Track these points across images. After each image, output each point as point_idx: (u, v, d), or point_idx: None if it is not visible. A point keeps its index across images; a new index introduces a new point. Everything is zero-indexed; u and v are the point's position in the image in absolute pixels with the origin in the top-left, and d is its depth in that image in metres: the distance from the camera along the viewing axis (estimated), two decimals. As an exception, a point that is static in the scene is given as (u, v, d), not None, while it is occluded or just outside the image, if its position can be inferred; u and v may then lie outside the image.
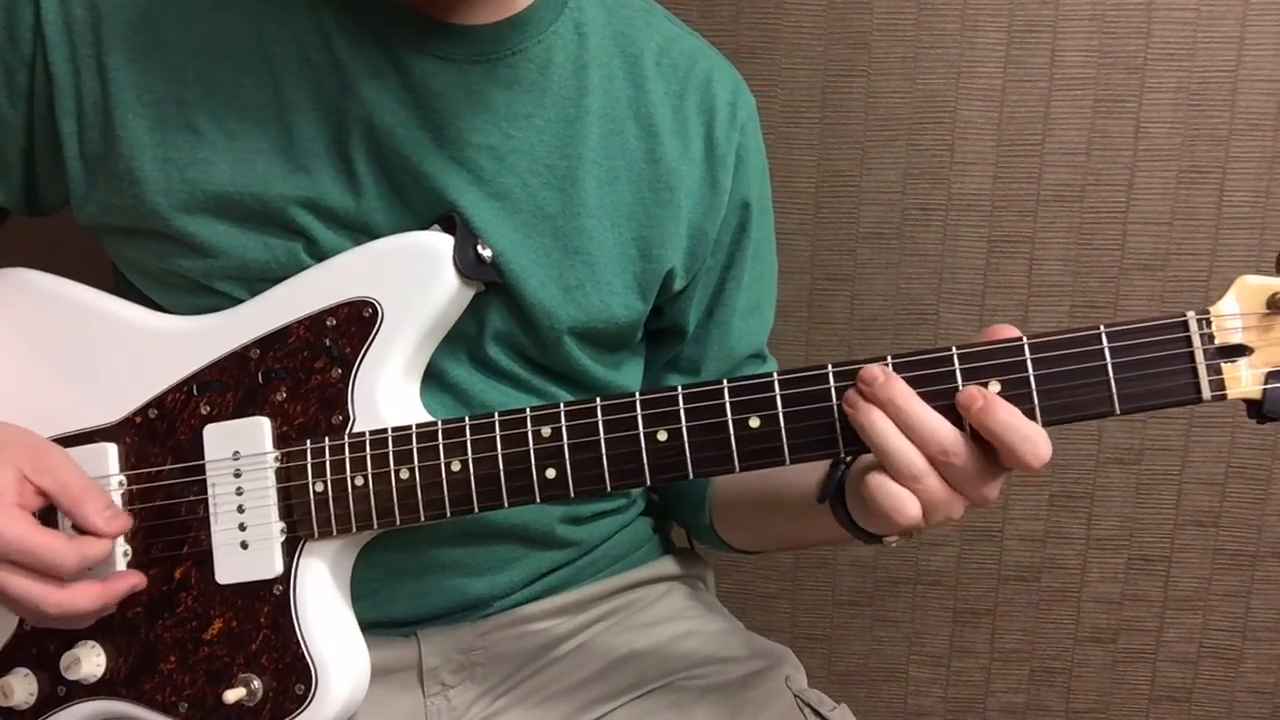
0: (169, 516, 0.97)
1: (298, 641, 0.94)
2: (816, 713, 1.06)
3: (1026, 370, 0.83)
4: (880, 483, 0.84)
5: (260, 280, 0.99)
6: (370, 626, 0.99)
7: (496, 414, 0.92)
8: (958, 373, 0.84)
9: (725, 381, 0.88)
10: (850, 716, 1.08)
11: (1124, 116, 1.58)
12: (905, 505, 0.83)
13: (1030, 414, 0.83)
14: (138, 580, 0.96)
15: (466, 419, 0.92)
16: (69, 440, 0.99)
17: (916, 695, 1.79)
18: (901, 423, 0.83)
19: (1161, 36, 1.55)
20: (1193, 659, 1.73)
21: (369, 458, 0.93)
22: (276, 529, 0.94)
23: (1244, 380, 0.82)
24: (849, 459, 0.94)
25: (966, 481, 0.84)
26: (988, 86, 1.58)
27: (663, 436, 0.89)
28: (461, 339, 1.02)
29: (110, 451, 0.98)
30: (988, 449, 0.83)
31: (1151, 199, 1.60)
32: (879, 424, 0.83)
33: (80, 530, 0.93)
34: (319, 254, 0.98)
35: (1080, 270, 1.62)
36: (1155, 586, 1.71)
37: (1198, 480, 1.67)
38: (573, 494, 0.90)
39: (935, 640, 1.77)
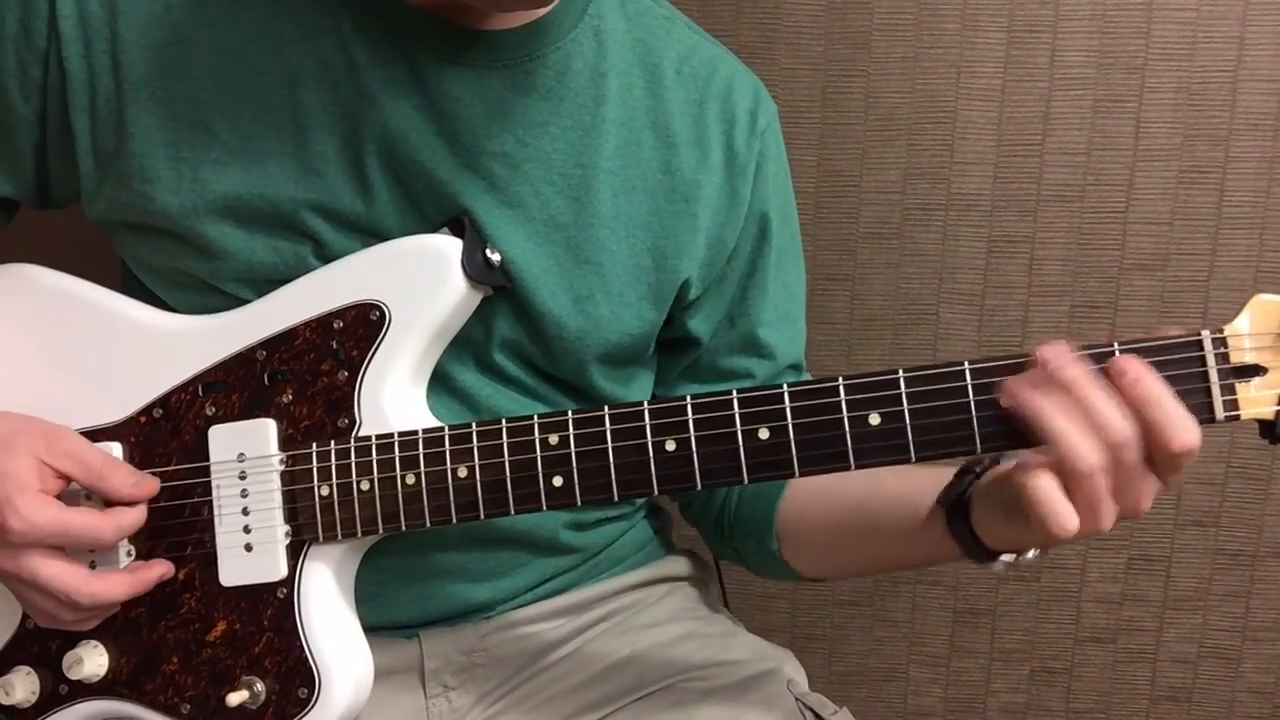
0: (173, 517, 0.97)
1: (301, 645, 0.94)
2: (818, 716, 1.05)
3: None
4: (1047, 485, 0.80)
5: (267, 283, 0.99)
6: (372, 629, 0.99)
7: (504, 421, 0.91)
8: (969, 387, 0.83)
9: (734, 392, 0.87)
10: (851, 720, 1.08)
11: (1124, 116, 1.58)
12: (1067, 513, 0.80)
13: None
14: (166, 569, 0.96)
15: (474, 425, 0.92)
16: (74, 438, 0.99)
17: (916, 695, 1.79)
18: (1085, 406, 0.80)
19: (1161, 36, 1.55)
20: (1193, 659, 1.73)
21: (375, 462, 0.93)
22: (281, 532, 0.94)
23: (1258, 401, 0.81)
24: (980, 469, 0.92)
25: (1130, 483, 0.81)
26: (988, 86, 1.58)
27: (671, 446, 0.88)
28: (469, 344, 1.02)
29: (115, 451, 0.98)
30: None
31: (1151, 199, 1.60)
32: (1062, 409, 0.80)
33: (107, 505, 0.94)
34: (327, 258, 0.98)
35: (1080, 270, 1.62)
36: (1155, 586, 1.71)
37: (1198, 480, 1.67)
38: (579, 503, 0.90)
39: (935, 640, 1.77)
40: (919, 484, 0.97)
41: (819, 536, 1.10)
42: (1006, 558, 0.92)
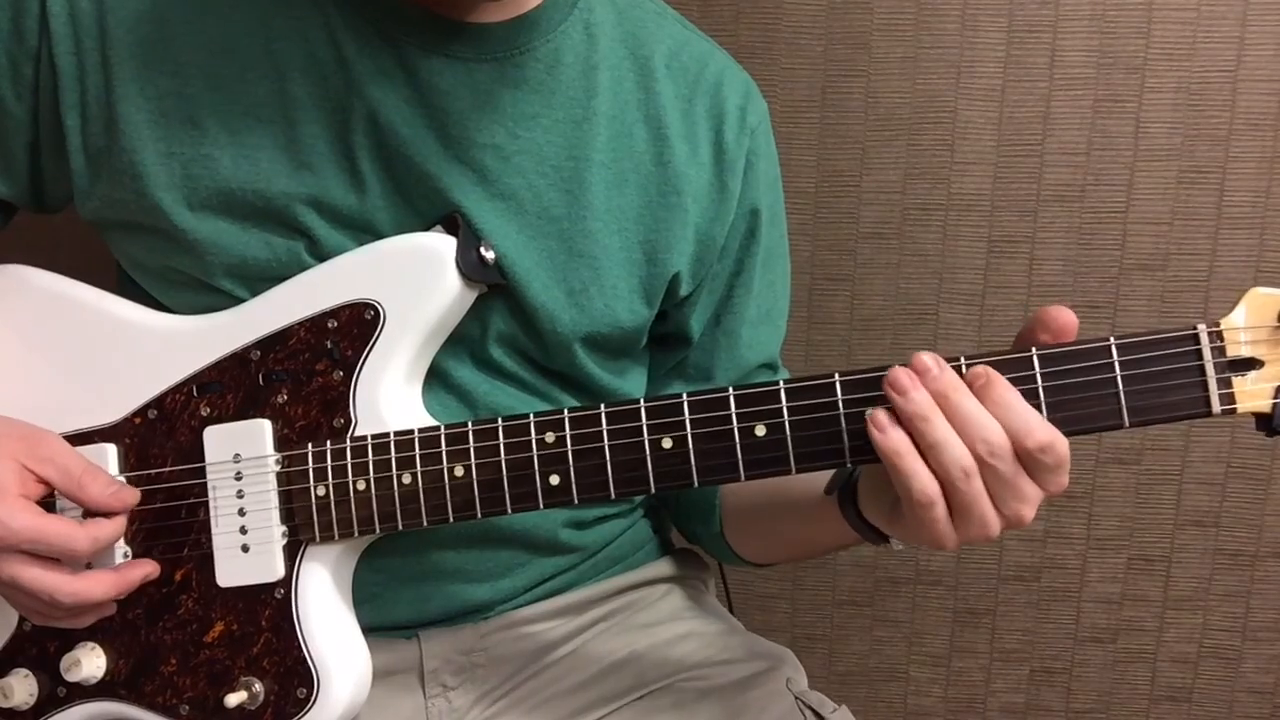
0: (169, 518, 0.97)
1: (299, 645, 0.94)
2: (817, 714, 1.06)
3: (1036, 382, 0.82)
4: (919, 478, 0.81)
5: (261, 279, 0.98)
6: (371, 629, 0.99)
7: (500, 419, 0.91)
8: (964, 382, 0.83)
9: (731, 389, 0.87)
10: (850, 718, 1.08)
11: (1124, 116, 1.58)
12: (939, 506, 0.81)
13: None
14: (151, 569, 0.96)
15: (470, 424, 0.92)
16: (68, 440, 0.98)
17: (916, 695, 1.79)
18: (951, 413, 0.80)
19: (1161, 36, 1.55)
20: (1193, 659, 1.73)
21: (371, 462, 0.93)
22: (278, 532, 0.94)
23: (1254, 394, 0.81)
24: None
25: (1004, 489, 0.81)
26: (988, 86, 1.58)
27: (667, 444, 0.88)
28: (465, 340, 1.01)
29: (110, 452, 0.98)
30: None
31: (1151, 199, 1.60)
32: (933, 417, 0.80)
33: (87, 514, 0.94)
34: (321, 253, 0.98)
35: (1080, 270, 1.62)
36: (1155, 586, 1.71)
37: (1198, 480, 1.67)
38: (576, 501, 0.90)
39: (935, 640, 1.77)
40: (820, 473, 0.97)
41: (751, 519, 1.12)
42: (897, 545, 0.93)
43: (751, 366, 1.16)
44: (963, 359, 0.83)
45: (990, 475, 0.81)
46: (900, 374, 0.81)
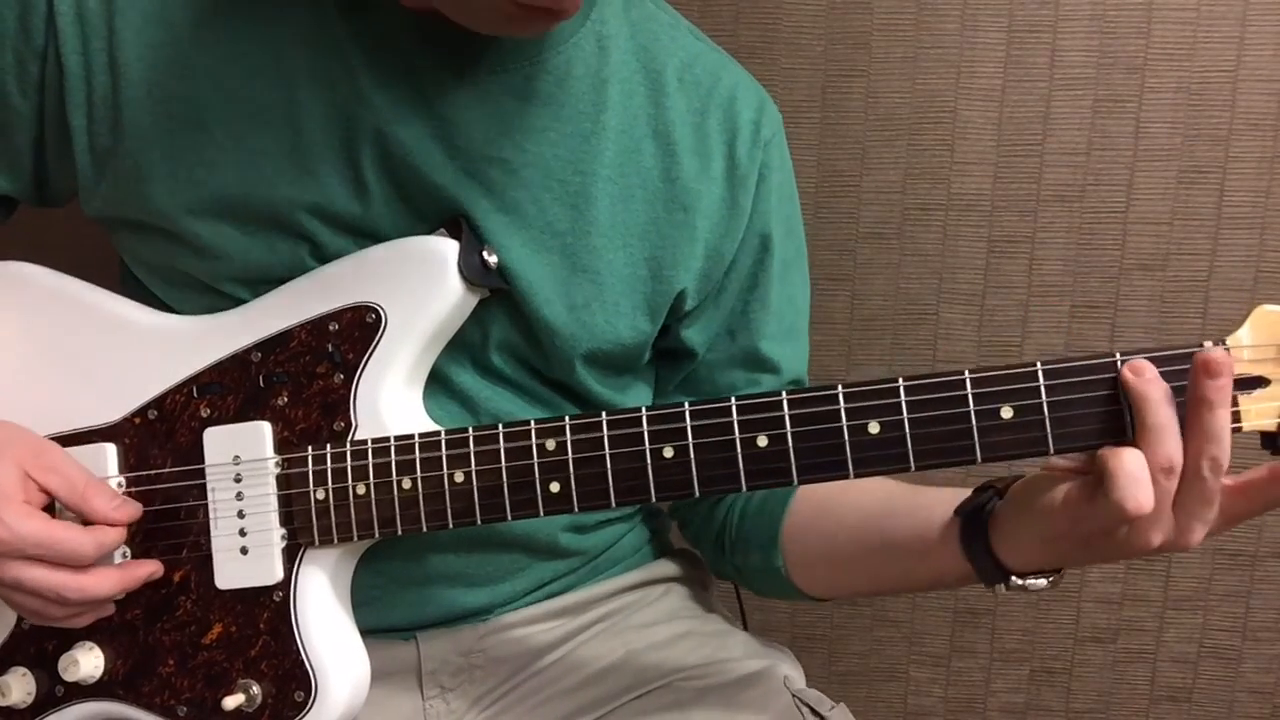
0: (169, 520, 0.97)
1: (297, 648, 0.93)
2: (815, 712, 1.05)
3: (1040, 396, 0.81)
4: (1132, 460, 0.78)
5: (264, 283, 0.98)
6: (370, 632, 0.99)
7: (501, 426, 0.91)
8: (969, 396, 0.82)
9: (733, 399, 0.86)
10: (848, 716, 1.08)
11: (1124, 116, 1.57)
12: (1146, 496, 0.78)
13: (1041, 441, 0.81)
14: (155, 567, 0.96)
15: (470, 429, 0.91)
16: (68, 439, 0.99)
17: (916, 695, 1.79)
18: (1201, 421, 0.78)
19: (1161, 36, 1.55)
20: (1193, 659, 1.73)
21: (370, 466, 0.93)
22: (277, 535, 0.94)
23: (1260, 413, 0.80)
24: (1001, 485, 0.91)
25: (1201, 496, 0.81)
26: (988, 86, 1.58)
27: (669, 453, 0.87)
28: (466, 346, 1.01)
29: (109, 452, 0.98)
30: None
31: (1151, 199, 1.59)
32: (1223, 412, 0.78)
33: (87, 524, 0.93)
34: (324, 259, 0.98)
35: (1080, 270, 1.62)
36: (1155, 586, 1.71)
37: (1198, 480, 1.67)
38: (576, 509, 0.89)
39: (935, 640, 1.76)
40: (929, 501, 0.96)
41: (826, 551, 1.07)
42: (1018, 580, 0.90)
43: (783, 382, 1.14)
44: (966, 372, 0.82)
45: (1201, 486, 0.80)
46: (1219, 358, 0.78)
